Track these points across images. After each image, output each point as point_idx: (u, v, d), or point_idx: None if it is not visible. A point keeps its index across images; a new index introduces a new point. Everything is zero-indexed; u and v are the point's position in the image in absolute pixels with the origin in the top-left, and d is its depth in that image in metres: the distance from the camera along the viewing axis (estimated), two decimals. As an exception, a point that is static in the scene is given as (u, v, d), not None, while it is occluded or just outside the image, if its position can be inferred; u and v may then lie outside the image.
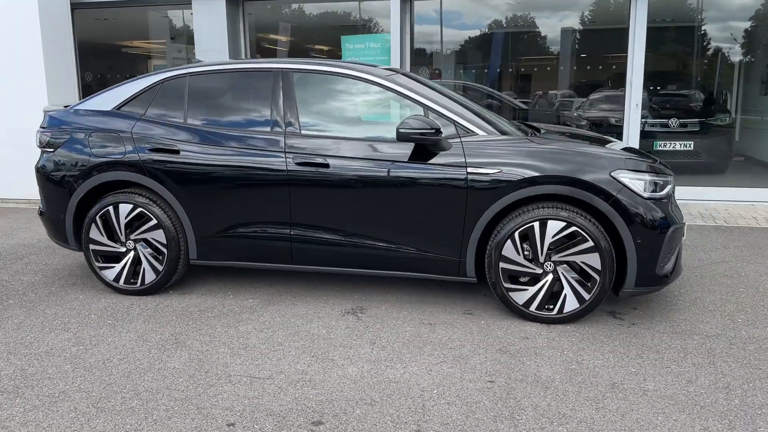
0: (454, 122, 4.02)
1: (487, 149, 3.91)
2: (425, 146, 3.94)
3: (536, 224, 3.80)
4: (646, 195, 3.77)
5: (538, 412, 2.91)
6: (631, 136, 7.71)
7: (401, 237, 4.05)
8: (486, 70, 9.17)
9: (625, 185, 3.74)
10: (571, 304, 3.85)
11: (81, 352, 3.57)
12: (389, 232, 4.07)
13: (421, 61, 8.89)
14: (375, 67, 4.49)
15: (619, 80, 8.05)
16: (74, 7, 9.76)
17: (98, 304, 4.32)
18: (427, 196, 3.95)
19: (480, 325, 3.92)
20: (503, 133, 4.17)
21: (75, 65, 8.64)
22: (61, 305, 4.32)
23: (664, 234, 3.77)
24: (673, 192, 4.06)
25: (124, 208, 4.36)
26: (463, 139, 3.97)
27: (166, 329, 3.88)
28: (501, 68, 9.01)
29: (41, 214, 4.73)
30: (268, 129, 4.21)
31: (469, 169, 3.87)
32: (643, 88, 7.62)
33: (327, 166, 4.05)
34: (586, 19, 8.55)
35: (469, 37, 9.07)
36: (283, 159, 4.11)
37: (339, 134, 4.20)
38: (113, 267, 4.47)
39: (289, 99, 4.22)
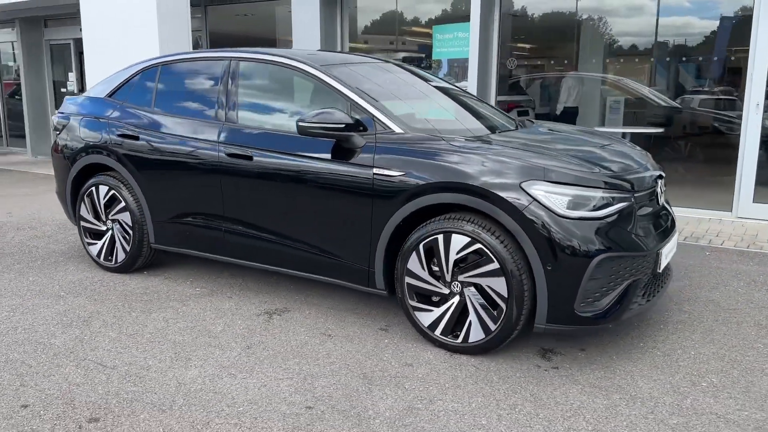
0: (373, 116, 3.63)
1: (397, 148, 3.47)
2: (340, 143, 3.62)
3: (440, 237, 3.29)
4: (572, 215, 3.06)
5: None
6: (749, 142, 6.33)
7: (315, 239, 3.78)
8: (683, 62, 7.77)
9: (535, 198, 3.07)
10: (477, 334, 3.28)
11: (1, 320, 3.87)
12: (305, 233, 3.81)
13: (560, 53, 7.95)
14: (327, 53, 4.23)
15: None
16: (207, 3, 10.64)
17: (74, 277, 4.66)
18: (338, 197, 3.62)
19: (380, 343, 3.51)
20: (492, 130, 3.91)
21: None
22: (46, 275, 4.73)
23: (587, 263, 3.03)
24: (642, 210, 3.24)
25: (102, 190, 4.65)
26: (378, 136, 3.56)
27: (93, 307, 4.06)
28: (719, 61, 7.52)
29: (57, 191, 5.22)
30: (212, 118, 4.19)
31: (375, 170, 3.47)
32: None
33: (251, 158, 3.91)
34: None
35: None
36: (217, 150, 4.05)
37: (271, 126, 4.03)
38: (96, 243, 4.80)
39: (232, 88, 4.15)
